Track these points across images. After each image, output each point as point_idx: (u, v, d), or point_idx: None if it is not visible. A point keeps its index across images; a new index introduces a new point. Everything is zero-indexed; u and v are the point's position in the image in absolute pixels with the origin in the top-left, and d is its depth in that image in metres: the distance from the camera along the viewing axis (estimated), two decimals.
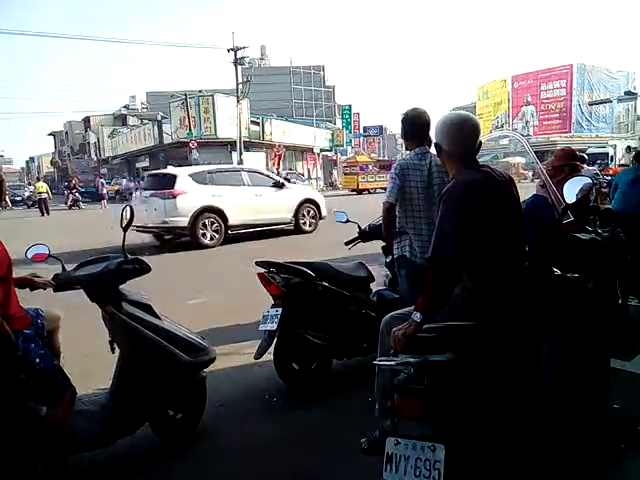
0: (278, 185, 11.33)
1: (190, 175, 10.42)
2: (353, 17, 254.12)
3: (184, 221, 9.93)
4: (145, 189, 11.21)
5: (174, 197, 9.94)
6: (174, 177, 10.27)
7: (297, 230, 11.56)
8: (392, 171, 3.13)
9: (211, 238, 10.21)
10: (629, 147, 22.86)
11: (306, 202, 11.80)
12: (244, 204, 10.55)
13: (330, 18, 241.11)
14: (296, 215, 11.53)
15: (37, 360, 2.19)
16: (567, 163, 3.88)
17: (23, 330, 2.21)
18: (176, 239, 10.75)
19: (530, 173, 10.66)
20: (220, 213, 10.22)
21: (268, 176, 12.02)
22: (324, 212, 11.97)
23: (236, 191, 10.59)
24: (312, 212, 11.87)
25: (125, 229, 2.78)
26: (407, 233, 3.11)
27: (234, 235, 10.76)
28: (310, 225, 11.82)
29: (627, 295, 4.29)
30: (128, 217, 2.80)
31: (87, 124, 55.11)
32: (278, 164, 32.77)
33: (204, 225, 10.10)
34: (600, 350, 2.56)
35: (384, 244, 3.84)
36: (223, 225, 10.32)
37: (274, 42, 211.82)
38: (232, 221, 10.40)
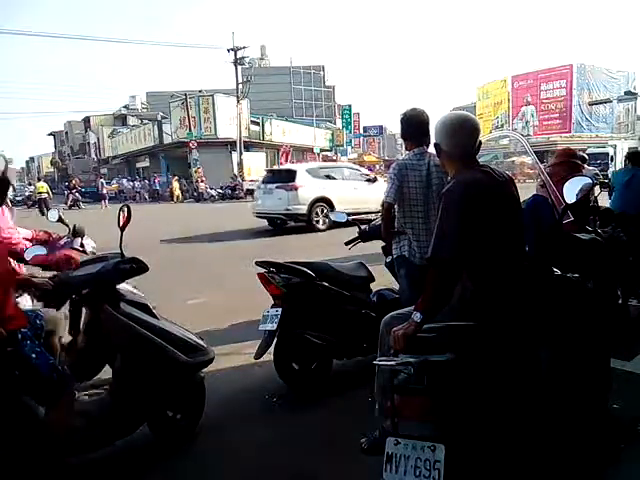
0: (370, 180, 13.18)
1: (307, 170, 12.72)
2: (353, 17, 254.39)
3: (303, 209, 12.11)
4: (266, 182, 13.06)
5: (296, 189, 12.06)
6: (294, 172, 12.49)
7: None
8: (390, 171, 3.14)
9: (322, 223, 12.27)
10: None
11: None
12: (346, 195, 12.30)
13: (330, 18, 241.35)
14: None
15: (33, 355, 2.18)
16: (568, 161, 3.88)
17: (19, 329, 2.21)
18: (284, 224, 12.89)
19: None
20: (329, 202, 12.25)
21: (362, 172, 14.13)
22: None
23: (340, 184, 12.72)
24: None
25: (122, 229, 2.78)
26: (406, 233, 3.11)
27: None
28: None
29: (628, 295, 4.30)
30: (125, 216, 2.80)
31: (87, 124, 55.13)
32: (286, 162, 32.89)
33: (317, 212, 12.25)
34: (600, 350, 2.56)
35: (384, 244, 3.84)
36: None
37: (274, 42, 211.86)
38: (337, 209, 11.99)
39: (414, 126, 3.15)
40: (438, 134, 2.07)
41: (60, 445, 2.28)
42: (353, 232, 4.12)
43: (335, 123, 52.96)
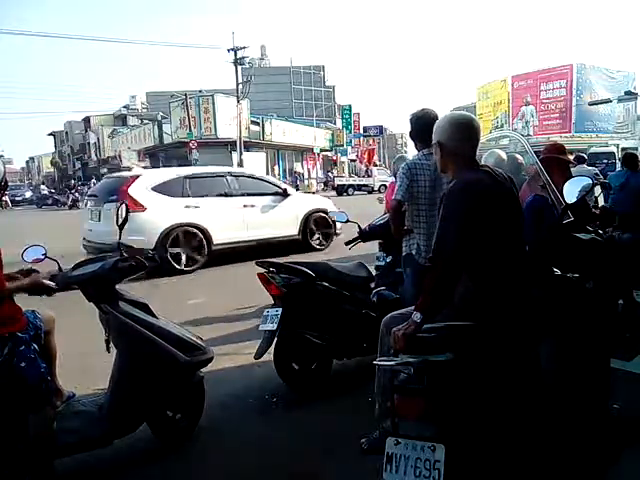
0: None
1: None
2: (353, 17, 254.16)
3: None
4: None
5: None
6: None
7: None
8: (400, 170, 3.15)
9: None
10: None
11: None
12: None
13: (330, 18, 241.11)
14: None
15: (22, 365, 2.15)
16: (556, 157, 3.82)
17: (16, 333, 2.19)
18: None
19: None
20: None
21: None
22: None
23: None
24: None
25: (121, 226, 2.78)
26: (414, 232, 3.12)
27: None
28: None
29: None
30: (123, 215, 2.80)
31: (87, 124, 55.08)
32: (369, 160, 32.79)
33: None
34: (600, 350, 2.56)
35: (384, 244, 3.85)
36: None
37: (274, 42, 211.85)
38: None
39: (424, 127, 3.14)
40: (444, 133, 2.06)
41: (45, 450, 2.24)
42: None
43: (335, 123, 52.95)
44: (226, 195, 8.43)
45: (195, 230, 7.87)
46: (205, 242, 7.95)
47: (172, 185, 8.01)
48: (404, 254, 3.20)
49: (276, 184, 9.61)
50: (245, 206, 8.53)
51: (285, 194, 9.10)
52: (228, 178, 8.62)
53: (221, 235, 8.15)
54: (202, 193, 8.19)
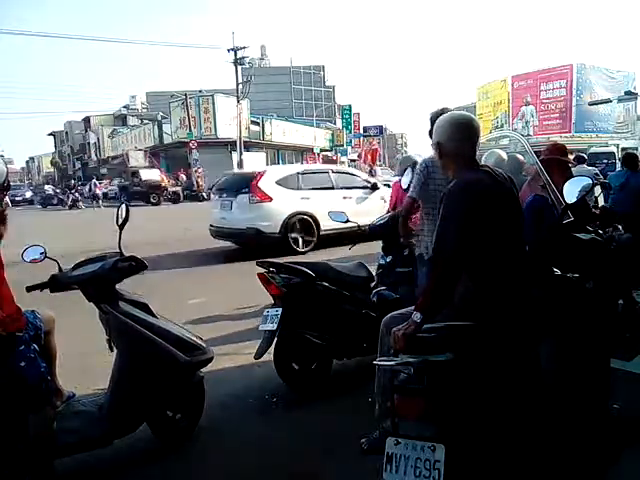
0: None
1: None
2: (353, 17, 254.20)
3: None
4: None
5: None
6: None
7: None
8: (417, 167, 3.15)
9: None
10: None
11: None
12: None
13: (330, 18, 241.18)
14: None
15: (22, 364, 2.14)
16: (558, 159, 3.82)
17: (15, 333, 2.17)
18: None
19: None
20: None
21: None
22: None
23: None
24: None
25: (121, 227, 2.78)
26: (425, 229, 3.13)
27: None
28: None
29: None
30: (124, 215, 2.80)
31: (87, 124, 55.14)
32: (373, 160, 33.20)
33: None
34: (600, 350, 2.56)
35: (384, 244, 3.85)
36: None
37: (274, 42, 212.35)
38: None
39: None
40: (444, 133, 2.06)
41: (43, 450, 2.24)
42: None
43: (335, 123, 52.98)
44: (329, 188, 9.81)
45: (307, 218, 9.25)
46: (315, 228, 9.29)
47: (290, 179, 9.46)
48: (417, 254, 3.22)
49: (367, 179, 10.99)
50: (344, 198, 9.78)
51: (374, 187, 10.36)
52: (331, 174, 10.17)
53: (327, 222, 9.11)
54: (311, 186, 9.59)
